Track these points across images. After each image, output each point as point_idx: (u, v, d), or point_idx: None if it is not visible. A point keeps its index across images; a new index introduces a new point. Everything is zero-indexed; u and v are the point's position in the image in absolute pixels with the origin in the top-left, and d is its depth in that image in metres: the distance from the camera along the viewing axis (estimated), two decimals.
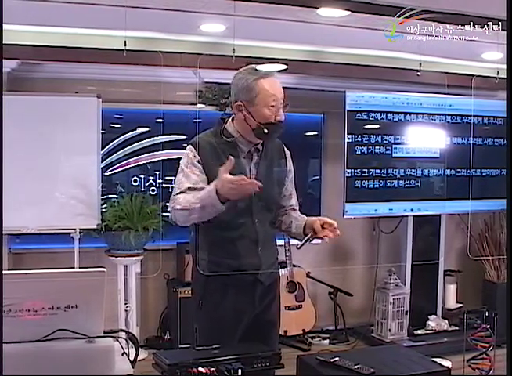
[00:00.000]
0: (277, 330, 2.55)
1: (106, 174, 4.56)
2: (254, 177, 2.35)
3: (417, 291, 4.91)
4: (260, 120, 2.30)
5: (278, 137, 2.43)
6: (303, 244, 2.26)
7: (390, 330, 4.68)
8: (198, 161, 2.29)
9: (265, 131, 2.30)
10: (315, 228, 2.23)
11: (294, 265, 4.80)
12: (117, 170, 4.68)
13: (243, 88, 2.30)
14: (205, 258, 2.36)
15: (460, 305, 5.22)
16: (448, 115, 4.88)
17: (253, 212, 2.33)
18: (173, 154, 4.60)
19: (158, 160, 4.70)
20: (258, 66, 2.37)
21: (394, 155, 4.76)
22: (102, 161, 4.35)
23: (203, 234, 2.36)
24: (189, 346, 2.45)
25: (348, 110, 4.57)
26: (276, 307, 2.52)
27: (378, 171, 4.71)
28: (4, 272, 1.57)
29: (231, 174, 2.17)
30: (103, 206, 4.27)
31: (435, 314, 5.05)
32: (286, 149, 2.52)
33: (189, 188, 2.24)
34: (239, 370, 1.92)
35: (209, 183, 2.21)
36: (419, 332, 4.83)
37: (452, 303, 5.21)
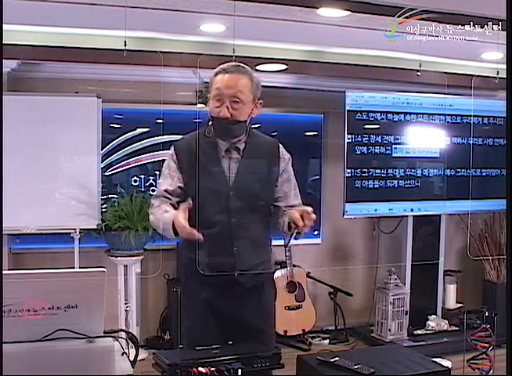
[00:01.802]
0: (263, 334, 2.41)
1: (106, 174, 4.56)
2: (234, 175, 2.34)
3: (417, 291, 4.90)
4: (211, 113, 2.35)
5: (227, 135, 2.34)
6: (289, 241, 2.22)
7: (390, 330, 4.68)
8: (174, 161, 2.37)
9: (209, 123, 2.36)
10: (294, 218, 2.16)
11: (294, 265, 4.80)
12: (117, 170, 4.68)
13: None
14: (185, 255, 2.41)
15: (460, 305, 5.22)
16: (448, 115, 4.87)
17: (230, 212, 2.31)
18: None
19: (158, 160, 4.70)
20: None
21: (394, 155, 4.76)
22: (102, 161, 4.35)
23: None
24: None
25: (348, 110, 4.57)
26: (262, 309, 2.43)
27: (378, 171, 4.71)
28: (4, 272, 1.57)
29: (210, 172, 2.29)
30: (103, 206, 4.28)
31: (435, 314, 5.05)
32: (283, 149, 2.47)
33: (165, 190, 2.35)
34: (239, 370, 1.92)
35: (186, 181, 2.33)
36: (419, 332, 4.83)
37: (452, 303, 5.21)
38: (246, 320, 2.37)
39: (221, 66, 2.35)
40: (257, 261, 2.40)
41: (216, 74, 2.33)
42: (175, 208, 2.29)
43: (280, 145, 2.49)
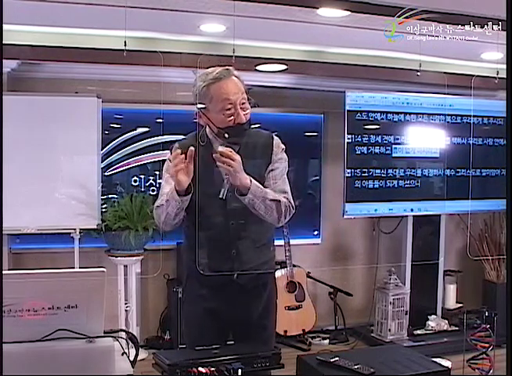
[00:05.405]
0: (263, 333, 2.40)
1: (106, 174, 4.56)
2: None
3: (417, 291, 4.91)
4: (219, 125, 2.26)
5: (242, 139, 2.28)
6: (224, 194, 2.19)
7: (390, 330, 4.68)
8: None
9: (226, 136, 2.25)
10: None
11: (294, 265, 4.80)
12: (117, 170, 4.68)
13: (197, 94, 2.29)
14: (186, 255, 2.41)
15: (460, 305, 5.22)
16: (448, 115, 4.88)
17: (228, 214, 2.29)
18: None
19: (158, 160, 4.70)
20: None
21: (394, 155, 4.76)
22: (102, 161, 4.35)
23: (185, 232, 2.40)
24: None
25: (348, 110, 4.57)
26: (263, 309, 2.40)
27: (378, 171, 4.71)
28: (4, 272, 1.57)
29: (206, 174, 2.22)
30: (103, 206, 4.28)
31: (435, 314, 5.06)
32: (277, 142, 2.39)
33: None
34: (239, 370, 1.92)
35: None
36: (419, 332, 4.84)
37: (452, 303, 5.22)
38: (247, 320, 2.37)
39: (208, 76, 2.25)
40: (259, 261, 2.37)
41: (208, 85, 2.23)
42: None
43: (275, 137, 2.40)
